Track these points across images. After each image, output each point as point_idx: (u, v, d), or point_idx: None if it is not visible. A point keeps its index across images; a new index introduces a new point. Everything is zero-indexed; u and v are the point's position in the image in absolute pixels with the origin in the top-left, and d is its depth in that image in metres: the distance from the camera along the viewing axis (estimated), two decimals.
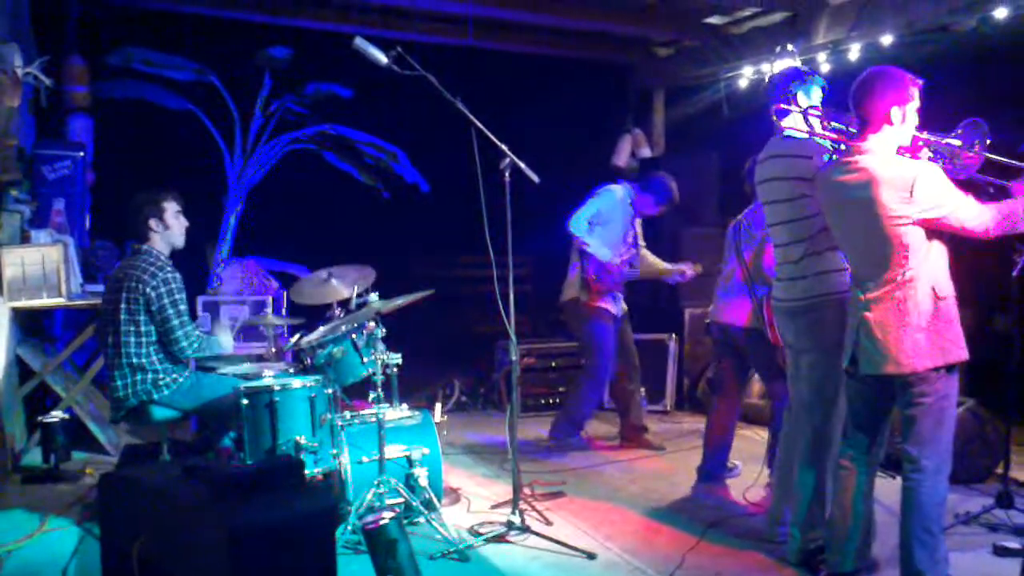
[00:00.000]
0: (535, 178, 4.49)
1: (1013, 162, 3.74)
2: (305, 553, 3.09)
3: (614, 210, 6.38)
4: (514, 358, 4.58)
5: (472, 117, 4.41)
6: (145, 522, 3.31)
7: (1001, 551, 4.16)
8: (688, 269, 6.59)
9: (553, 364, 7.72)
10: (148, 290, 4.61)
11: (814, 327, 4.06)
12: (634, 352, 6.65)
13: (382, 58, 4.38)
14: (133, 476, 3.59)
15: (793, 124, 4.20)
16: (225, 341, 4.94)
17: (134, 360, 4.65)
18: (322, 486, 4.44)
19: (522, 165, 4.47)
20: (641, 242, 6.60)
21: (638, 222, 6.56)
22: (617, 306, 6.47)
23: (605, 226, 6.34)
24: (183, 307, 4.70)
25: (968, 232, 3.51)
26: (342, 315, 5.15)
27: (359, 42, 4.38)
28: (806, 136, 4.11)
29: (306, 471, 4.19)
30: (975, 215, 3.49)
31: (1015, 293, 5.26)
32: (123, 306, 4.65)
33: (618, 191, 6.44)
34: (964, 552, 4.06)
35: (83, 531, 4.61)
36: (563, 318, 6.74)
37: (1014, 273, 4.90)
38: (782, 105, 4.23)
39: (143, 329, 4.65)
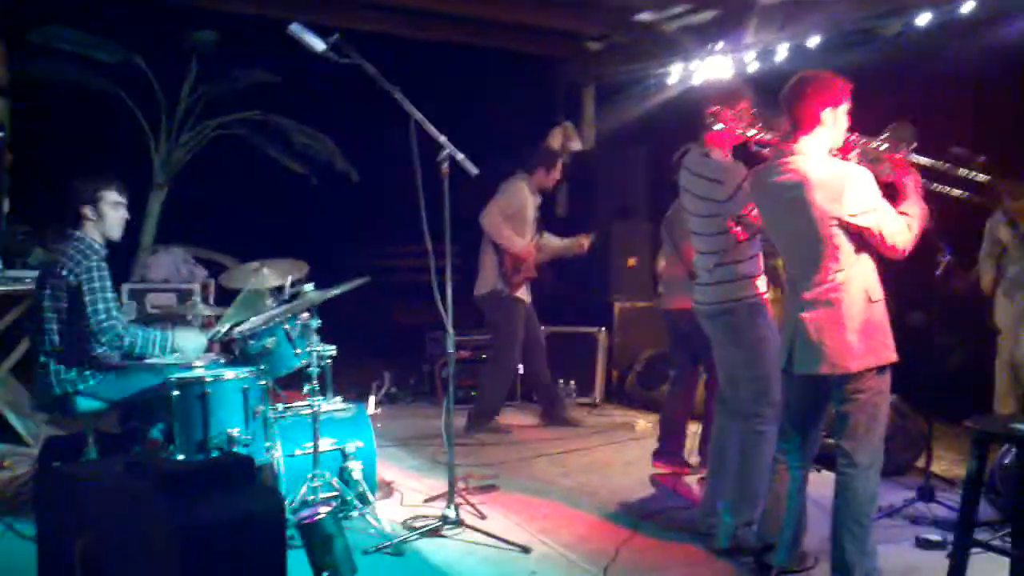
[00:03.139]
0: (473, 170, 4.47)
1: (935, 163, 3.81)
2: (255, 552, 3.03)
3: (523, 200, 6.58)
4: (451, 350, 4.57)
5: (411, 107, 4.37)
6: (86, 519, 3.21)
7: (923, 543, 4.28)
8: (585, 240, 6.79)
9: (484, 356, 7.69)
10: (72, 278, 4.46)
11: (729, 329, 4.31)
12: (541, 337, 6.89)
13: (319, 45, 4.30)
14: (72, 471, 3.49)
15: (718, 137, 4.28)
16: (191, 344, 4.75)
17: (57, 348, 4.50)
18: (271, 483, 4.37)
19: (460, 156, 4.45)
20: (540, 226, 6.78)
21: (537, 205, 6.72)
22: (529, 294, 6.68)
23: (515, 217, 6.53)
24: (109, 295, 4.52)
25: (886, 248, 3.55)
26: (275, 305, 5.06)
27: (295, 28, 4.30)
28: (725, 158, 4.30)
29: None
30: (898, 232, 3.54)
31: (935, 292, 5.45)
32: (47, 291, 4.51)
33: (521, 180, 6.63)
34: (888, 544, 4.15)
35: (3, 525, 4.45)
36: (482, 310, 6.80)
37: (936, 273, 5.06)
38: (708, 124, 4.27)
39: (66, 317, 4.51)
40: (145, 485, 3.09)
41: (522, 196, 6.59)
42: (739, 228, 4.15)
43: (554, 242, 6.90)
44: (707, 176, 4.35)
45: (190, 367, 4.68)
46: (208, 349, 4.91)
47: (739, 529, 4.16)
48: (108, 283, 4.54)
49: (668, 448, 5.56)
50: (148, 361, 4.72)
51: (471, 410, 6.70)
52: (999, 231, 5.43)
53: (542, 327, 7.17)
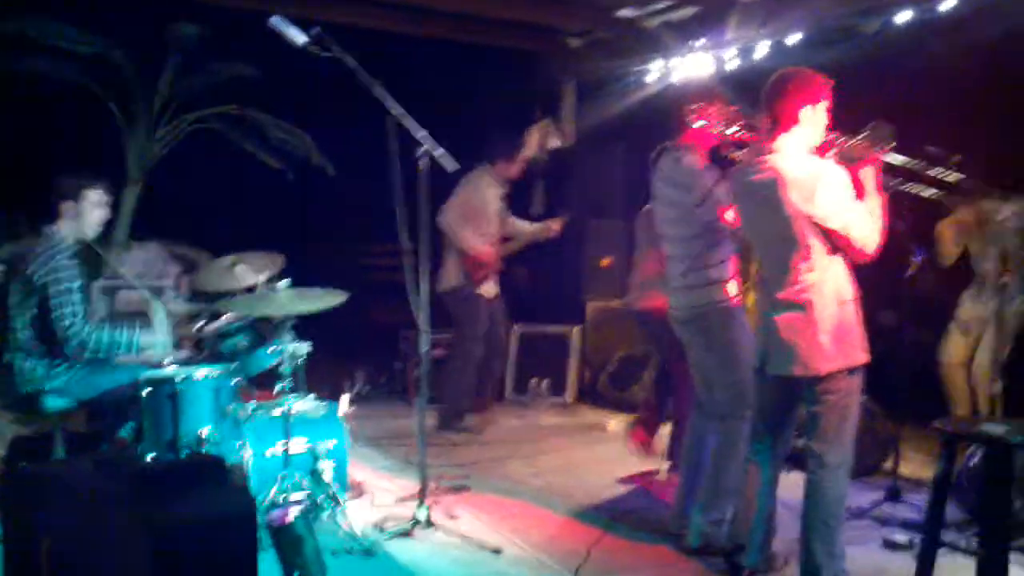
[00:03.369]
0: (452, 166, 4.46)
1: (911, 162, 3.83)
2: (227, 552, 3.01)
3: (482, 196, 6.59)
4: (424, 350, 4.56)
5: (392, 102, 4.35)
6: (55, 520, 3.17)
7: (891, 544, 4.32)
8: (555, 224, 6.80)
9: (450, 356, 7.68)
10: (36, 277, 4.40)
11: (702, 333, 4.35)
12: (502, 334, 6.92)
13: (300, 38, 4.27)
14: (38, 471, 3.45)
15: (696, 135, 4.29)
16: (158, 341, 4.66)
17: (23, 346, 4.46)
18: (242, 483, 4.34)
19: (439, 152, 4.43)
20: (507, 214, 6.79)
21: (502, 195, 6.74)
22: (495, 287, 6.70)
23: (476, 214, 6.55)
24: (75, 297, 4.44)
25: (854, 251, 3.58)
26: (245, 303, 5.01)
27: (275, 20, 4.26)
28: (696, 162, 4.30)
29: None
30: (866, 235, 3.55)
31: (905, 293, 5.49)
32: (14, 286, 4.46)
33: (479, 174, 6.62)
34: (856, 545, 4.18)
35: None
36: (446, 305, 6.76)
37: (908, 274, 5.10)
38: (695, 118, 4.28)
39: (31, 313, 4.46)
40: (115, 485, 3.06)
41: (480, 192, 6.58)
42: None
43: (524, 228, 6.90)
44: (677, 180, 4.37)
45: (161, 366, 4.64)
46: (179, 345, 4.86)
47: (710, 528, 4.19)
48: (75, 283, 4.46)
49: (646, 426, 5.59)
50: (118, 359, 4.68)
51: (441, 410, 6.69)
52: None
53: (515, 325, 7.18)
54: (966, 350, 5.62)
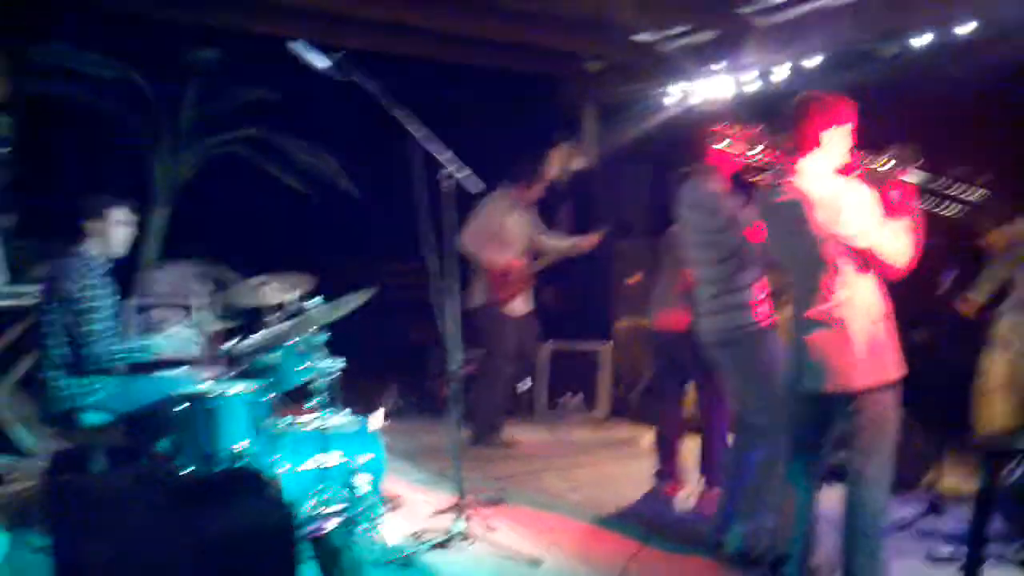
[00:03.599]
0: (475, 188, 4.50)
1: (939, 184, 3.81)
2: (267, 563, 3.02)
3: (499, 219, 6.63)
4: (454, 368, 4.58)
5: (415, 125, 4.38)
6: (99, 531, 3.19)
7: (934, 558, 4.27)
8: (586, 241, 6.76)
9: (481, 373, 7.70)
10: (69, 294, 4.46)
11: (737, 356, 4.35)
12: (532, 349, 6.97)
13: (321, 63, 4.32)
14: (84, 483, 3.48)
15: (719, 158, 4.28)
16: (181, 339, 4.75)
17: (59, 362, 4.50)
18: (279, 495, 4.35)
19: (463, 174, 4.46)
20: (538, 230, 6.82)
21: (529, 216, 6.76)
22: (520, 305, 6.69)
23: (496, 236, 6.59)
24: (103, 315, 4.50)
25: (885, 268, 3.56)
26: (281, 320, 5.05)
27: (296, 45, 4.31)
28: (720, 187, 4.32)
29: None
30: (895, 251, 3.53)
31: (940, 308, 5.45)
32: (50, 306, 4.52)
33: (498, 197, 6.63)
34: (898, 559, 4.12)
35: (13, 537, 4.45)
36: (475, 323, 6.77)
37: (940, 292, 5.07)
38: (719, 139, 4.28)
39: (69, 331, 4.50)
40: (157, 497, 3.08)
41: (497, 215, 6.62)
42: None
43: (556, 244, 6.89)
44: (701, 205, 4.39)
45: (196, 381, 4.68)
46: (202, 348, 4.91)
47: (751, 536, 4.17)
48: (105, 301, 4.53)
49: (666, 469, 5.54)
50: (156, 374, 4.73)
51: (474, 426, 6.69)
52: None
53: (548, 342, 7.17)
54: (1008, 368, 5.54)
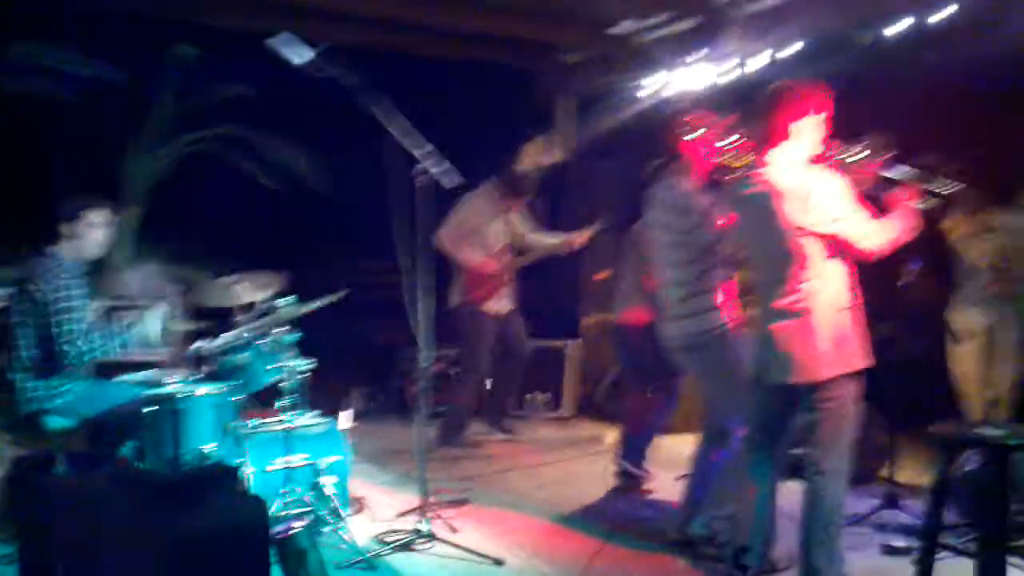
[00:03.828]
0: (452, 182, 4.50)
1: (911, 176, 3.88)
2: (242, 563, 3.04)
3: (479, 215, 6.65)
4: (424, 366, 4.59)
5: (392, 120, 4.38)
6: (70, 533, 3.20)
7: (890, 550, 4.36)
8: (577, 237, 6.75)
9: (454, 371, 7.72)
10: (41, 296, 4.45)
11: (705, 359, 4.39)
12: (519, 346, 6.91)
13: (300, 57, 4.31)
14: (52, 484, 3.47)
15: (691, 151, 4.34)
16: (151, 331, 4.74)
17: (27, 365, 4.49)
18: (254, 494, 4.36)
19: (438, 169, 4.46)
20: (524, 227, 6.84)
21: (515, 212, 6.77)
22: (500, 304, 6.69)
23: (474, 234, 6.61)
24: (76, 315, 4.49)
25: (859, 251, 3.64)
26: (248, 320, 5.05)
27: (275, 41, 4.31)
28: (692, 187, 4.34)
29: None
30: (868, 236, 3.60)
31: (901, 301, 5.54)
32: (18, 307, 4.50)
33: (479, 195, 6.67)
34: (855, 551, 4.20)
35: None
36: (454, 322, 6.84)
37: (901, 283, 5.16)
38: (690, 130, 4.34)
39: (35, 333, 4.49)
40: (129, 497, 3.09)
41: (475, 214, 6.65)
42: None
43: (543, 241, 6.90)
44: (673, 205, 4.42)
45: (161, 383, 4.68)
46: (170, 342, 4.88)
47: (718, 521, 4.26)
48: (78, 303, 4.51)
49: (630, 467, 5.61)
50: (123, 377, 4.72)
51: (440, 424, 6.73)
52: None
53: None
54: (973, 359, 5.68)
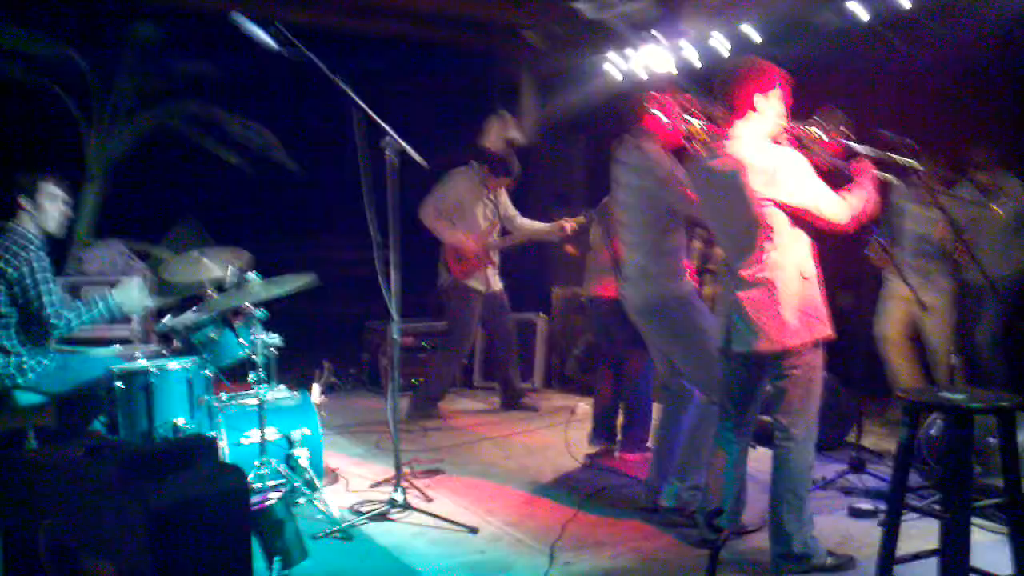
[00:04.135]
0: (420, 160, 4.51)
1: (868, 150, 3.94)
2: (223, 531, 3.05)
3: (462, 192, 6.69)
4: (396, 337, 4.61)
5: (355, 97, 4.38)
6: (51, 505, 3.19)
7: (856, 512, 4.45)
8: (567, 223, 6.71)
9: (424, 344, 7.76)
10: (10, 270, 4.41)
11: (666, 322, 4.42)
12: (507, 325, 6.98)
13: (261, 34, 4.29)
14: (31, 457, 3.46)
15: (654, 125, 4.38)
16: (133, 297, 4.71)
17: None
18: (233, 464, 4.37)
19: (404, 145, 4.47)
20: (511, 211, 6.86)
21: (502, 195, 6.81)
22: (484, 282, 6.69)
23: (456, 210, 6.64)
24: (52, 286, 4.51)
25: (826, 223, 3.70)
26: (216, 296, 5.03)
27: (237, 16, 4.27)
28: (657, 148, 4.37)
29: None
30: (834, 207, 3.67)
31: (862, 271, 5.64)
32: None
33: (463, 173, 6.72)
34: (823, 515, 4.30)
35: None
36: (443, 299, 6.94)
37: (865, 252, 5.26)
38: (652, 105, 4.39)
39: (3, 311, 4.46)
40: (108, 468, 3.08)
41: (458, 189, 6.68)
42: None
43: (530, 226, 6.91)
44: (638, 165, 4.44)
45: (131, 358, 4.66)
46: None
47: (687, 493, 4.32)
48: (49, 274, 4.51)
49: (599, 430, 5.68)
50: (92, 352, 4.71)
51: (413, 396, 6.76)
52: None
53: None
54: (900, 325, 5.85)
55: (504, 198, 6.87)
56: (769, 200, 3.63)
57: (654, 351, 4.64)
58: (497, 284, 6.85)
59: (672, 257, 4.40)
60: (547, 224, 6.89)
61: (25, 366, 4.47)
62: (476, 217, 6.71)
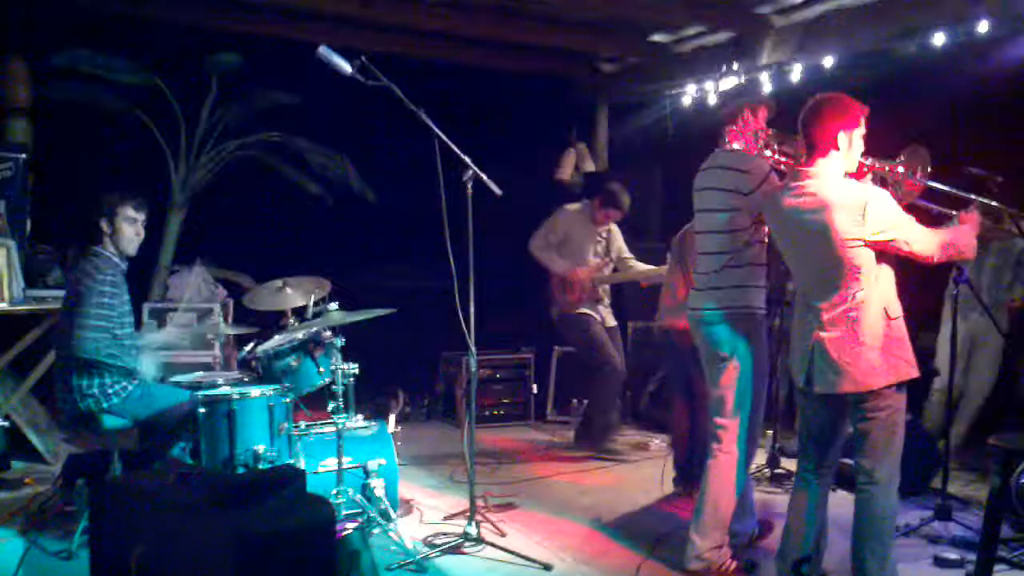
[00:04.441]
0: (497, 191, 4.53)
1: (952, 190, 3.87)
2: (310, 562, 3.08)
3: (571, 226, 6.76)
4: (474, 370, 4.62)
5: (436, 128, 4.43)
6: (141, 532, 3.25)
7: (942, 562, 4.31)
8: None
9: (498, 376, 7.78)
10: (88, 291, 4.51)
11: (729, 338, 4.26)
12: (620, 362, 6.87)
13: (346, 67, 4.37)
14: (124, 482, 3.53)
15: (739, 139, 4.33)
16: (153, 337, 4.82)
17: (84, 364, 4.55)
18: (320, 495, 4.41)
19: (484, 177, 4.51)
20: (626, 253, 6.90)
21: (617, 236, 6.87)
22: (598, 312, 6.76)
23: (563, 244, 6.73)
24: (103, 312, 4.50)
25: (915, 256, 3.62)
26: (297, 324, 5.10)
27: (323, 50, 4.36)
28: (751, 153, 4.26)
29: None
30: (923, 240, 3.60)
31: (943, 312, 5.51)
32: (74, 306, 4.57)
33: (573, 208, 6.84)
34: (906, 563, 4.16)
35: (28, 542, 4.52)
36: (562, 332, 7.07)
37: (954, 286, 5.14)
38: (732, 122, 4.36)
39: (91, 333, 4.56)
40: (198, 496, 3.12)
41: (565, 224, 6.79)
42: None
43: (645, 270, 6.85)
44: (733, 166, 4.28)
45: (215, 385, 4.75)
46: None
47: (708, 552, 4.20)
48: (107, 299, 4.52)
49: (680, 471, 5.59)
50: (176, 378, 4.80)
51: (578, 428, 6.89)
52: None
53: (555, 347, 7.21)
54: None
55: (619, 239, 6.89)
56: (858, 240, 3.56)
57: (706, 372, 4.44)
58: (611, 320, 6.85)
59: (747, 271, 4.26)
60: (650, 267, 6.81)
61: (110, 390, 4.56)
62: (584, 252, 6.75)
